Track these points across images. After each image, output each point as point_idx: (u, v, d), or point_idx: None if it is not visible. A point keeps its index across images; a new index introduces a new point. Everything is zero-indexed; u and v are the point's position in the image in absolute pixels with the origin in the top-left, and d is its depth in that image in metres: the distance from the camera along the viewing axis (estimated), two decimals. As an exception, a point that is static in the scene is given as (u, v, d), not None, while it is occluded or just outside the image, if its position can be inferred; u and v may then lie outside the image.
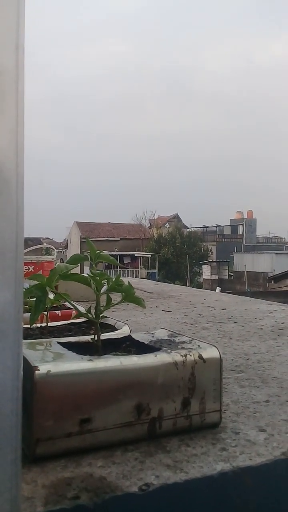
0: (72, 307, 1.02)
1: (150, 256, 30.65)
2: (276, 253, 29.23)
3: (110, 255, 0.76)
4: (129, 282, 0.62)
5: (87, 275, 0.61)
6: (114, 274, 0.72)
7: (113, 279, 0.63)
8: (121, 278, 0.65)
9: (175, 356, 0.57)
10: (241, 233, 43.87)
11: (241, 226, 44.38)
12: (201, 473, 0.48)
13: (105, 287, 0.63)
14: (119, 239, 34.48)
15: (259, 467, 0.50)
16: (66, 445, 0.50)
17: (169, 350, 0.58)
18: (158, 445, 0.54)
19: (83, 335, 0.74)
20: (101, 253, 0.67)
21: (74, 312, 1.01)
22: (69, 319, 0.93)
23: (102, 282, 0.61)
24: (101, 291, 0.62)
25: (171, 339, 0.65)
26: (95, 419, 0.52)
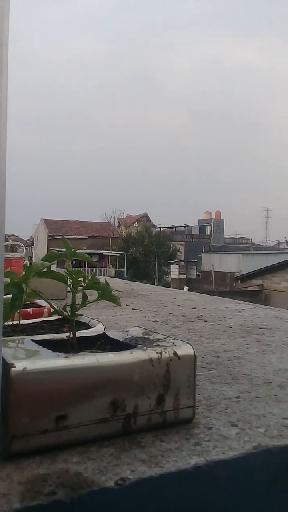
0: (44, 305, 1.02)
1: (118, 255, 30.62)
2: (243, 253, 29.76)
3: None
4: (105, 280, 0.63)
5: (64, 273, 0.61)
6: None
7: (89, 277, 0.64)
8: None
9: (151, 353, 0.57)
10: (209, 233, 44.42)
11: (209, 227, 44.94)
12: (176, 467, 0.49)
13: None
14: (87, 237, 34.26)
15: (232, 461, 0.51)
16: (41, 442, 0.50)
17: (145, 348, 0.59)
18: (133, 441, 0.54)
19: (56, 333, 0.73)
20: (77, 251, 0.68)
21: (46, 310, 1.01)
22: (41, 317, 0.93)
23: (79, 279, 0.61)
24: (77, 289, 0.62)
25: (146, 336, 0.66)
26: (71, 416, 0.52)
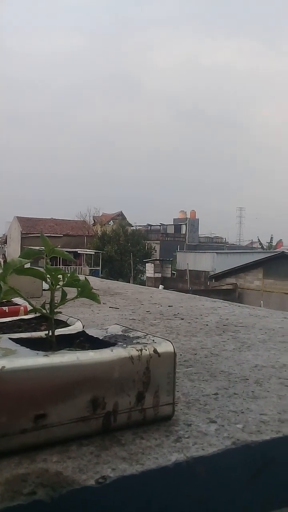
0: (20, 303, 1.00)
1: (93, 253, 30.48)
2: (217, 252, 30.07)
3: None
4: (85, 278, 0.62)
5: (42, 270, 0.61)
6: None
7: (68, 275, 0.63)
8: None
9: (131, 350, 0.57)
10: (184, 232, 44.68)
11: (184, 226, 45.21)
12: (156, 464, 0.49)
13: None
14: (62, 235, 33.96)
15: (211, 457, 0.52)
16: (20, 441, 0.49)
17: (125, 345, 0.59)
18: (113, 439, 0.54)
19: (34, 331, 0.72)
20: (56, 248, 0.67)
21: (22, 308, 0.99)
22: (17, 316, 0.91)
23: (58, 277, 0.60)
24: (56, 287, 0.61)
25: (125, 334, 0.66)
26: (50, 415, 0.51)
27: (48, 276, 0.60)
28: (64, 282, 0.61)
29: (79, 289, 0.62)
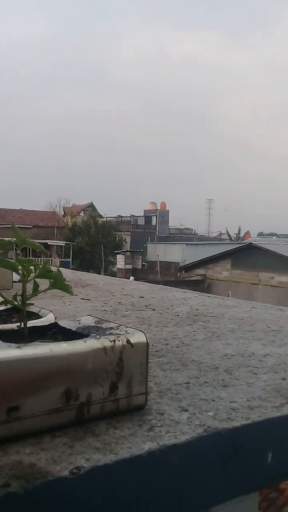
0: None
1: (64, 244, 30.19)
2: (187, 243, 30.35)
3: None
4: (58, 269, 0.62)
5: (14, 261, 0.60)
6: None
7: (41, 266, 0.62)
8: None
9: (104, 341, 0.57)
10: (154, 223, 44.80)
11: (154, 217, 45.32)
12: (130, 453, 0.49)
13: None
14: (31, 226, 33.44)
15: (184, 445, 0.52)
16: (-7, 434, 0.49)
17: (98, 336, 0.59)
18: (87, 429, 0.54)
19: (5, 323, 0.71)
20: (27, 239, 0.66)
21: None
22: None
23: (30, 268, 0.60)
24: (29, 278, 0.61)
25: (98, 325, 0.66)
26: (23, 407, 0.51)
27: (19, 267, 0.60)
28: (36, 273, 0.60)
29: (52, 280, 0.61)
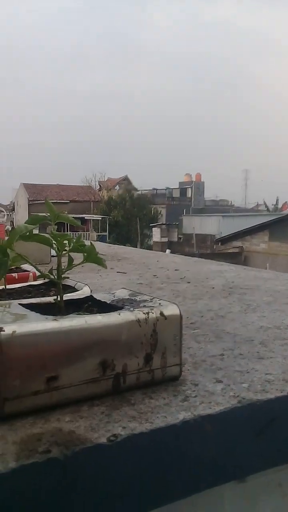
0: (29, 269, 1.02)
1: (100, 218, 30.43)
2: (223, 215, 29.90)
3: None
4: (91, 243, 0.62)
5: (48, 236, 0.61)
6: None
7: (74, 240, 0.63)
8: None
9: (138, 314, 0.58)
10: (189, 195, 44.30)
11: (189, 189, 44.78)
12: (165, 423, 0.50)
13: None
14: (68, 201, 33.80)
15: (218, 415, 0.53)
16: (33, 402, 0.51)
17: (132, 309, 0.60)
18: (123, 399, 0.56)
19: (43, 296, 0.73)
20: (61, 214, 0.67)
21: (31, 274, 1.00)
22: (26, 282, 0.92)
23: (64, 242, 0.61)
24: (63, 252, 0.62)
25: (132, 298, 0.67)
26: (62, 377, 0.53)
27: (54, 242, 0.61)
28: (70, 248, 0.61)
29: (85, 254, 0.62)
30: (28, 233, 0.61)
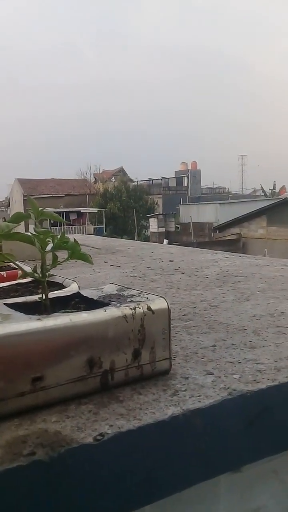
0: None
1: (96, 211, 30.35)
2: (220, 203, 29.86)
3: (56, 212, 0.74)
4: (74, 239, 0.61)
5: (30, 234, 0.60)
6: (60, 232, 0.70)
7: (58, 237, 0.62)
8: (67, 235, 0.64)
9: (124, 309, 0.57)
10: (186, 184, 44.18)
11: (185, 178, 44.65)
12: (153, 419, 0.50)
13: (50, 245, 0.62)
14: (64, 195, 33.71)
15: (208, 408, 0.52)
16: (19, 404, 0.50)
17: (118, 304, 0.59)
18: (111, 396, 0.55)
19: (30, 295, 0.72)
20: (44, 210, 0.65)
21: (20, 272, 0.99)
22: (15, 280, 0.91)
23: (47, 240, 0.60)
24: (46, 250, 0.61)
25: (120, 293, 0.66)
26: (47, 377, 0.52)
27: (36, 240, 0.60)
28: (53, 245, 0.60)
29: (69, 251, 0.61)
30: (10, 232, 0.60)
